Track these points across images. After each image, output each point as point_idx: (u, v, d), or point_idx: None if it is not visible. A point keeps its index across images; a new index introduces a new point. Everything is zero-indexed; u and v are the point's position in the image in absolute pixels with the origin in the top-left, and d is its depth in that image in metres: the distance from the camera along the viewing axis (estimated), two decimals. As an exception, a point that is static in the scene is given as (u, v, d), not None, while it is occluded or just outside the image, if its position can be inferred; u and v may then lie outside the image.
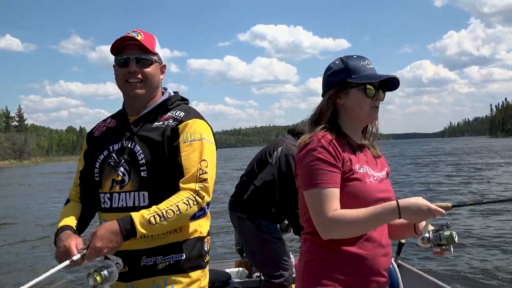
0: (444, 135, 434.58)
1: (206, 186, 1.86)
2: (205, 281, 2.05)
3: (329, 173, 1.67)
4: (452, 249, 1.70)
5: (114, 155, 1.98)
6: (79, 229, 1.99)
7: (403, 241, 3.87)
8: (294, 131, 3.76)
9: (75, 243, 1.77)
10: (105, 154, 2.02)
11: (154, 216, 1.76)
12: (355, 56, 1.84)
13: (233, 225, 3.89)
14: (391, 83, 1.82)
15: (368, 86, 1.77)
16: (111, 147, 2.01)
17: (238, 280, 4.23)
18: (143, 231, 1.75)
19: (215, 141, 2.07)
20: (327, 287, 1.71)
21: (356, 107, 1.80)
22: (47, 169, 66.75)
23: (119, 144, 2.00)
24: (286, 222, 4.01)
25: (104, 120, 2.20)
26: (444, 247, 1.68)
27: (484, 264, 7.34)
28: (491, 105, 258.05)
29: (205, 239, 2.06)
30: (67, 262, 1.73)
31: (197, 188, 1.84)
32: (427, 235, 1.68)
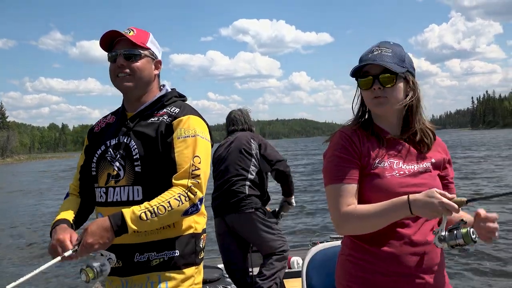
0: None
1: (198, 182, 1.87)
2: (199, 278, 2.06)
3: (344, 169, 1.67)
4: (469, 248, 1.55)
5: (111, 150, 2.01)
6: (77, 223, 2.01)
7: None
8: (244, 129, 4.19)
9: (69, 237, 1.79)
10: (102, 149, 2.05)
11: (145, 212, 1.78)
12: (368, 49, 1.77)
13: (233, 228, 3.91)
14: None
15: (360, 81, 1.73)
16: (108, 142, 2.04)
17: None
18: (134, 227, 1.77)
19: (211, 137, 2.09)
20: (353, 284, 1.71)
21: (365, 101, 1.77)
22: (36, 166, 65.87)
23: (116, 139, 2.03)
24: (276, 209, 4.40)
25: (105, 117, 2.24)
26: (461, 246, 1.51)
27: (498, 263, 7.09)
28: (472, 97, 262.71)
29: (201, 236, 2.06)
30: (59, 258, 1.76)
31: (189, 184, 1.85)
32: (443, 233, 1.51)
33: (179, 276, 1.95)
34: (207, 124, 2.09)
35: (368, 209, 1.59)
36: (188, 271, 1.98)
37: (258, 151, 3.98)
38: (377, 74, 1.69)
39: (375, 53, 1.72)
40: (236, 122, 4.23)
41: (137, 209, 1.78)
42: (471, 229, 1.49)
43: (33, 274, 1.73)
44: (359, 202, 1.66)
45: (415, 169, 1.71)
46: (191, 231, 2.00)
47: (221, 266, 4.22)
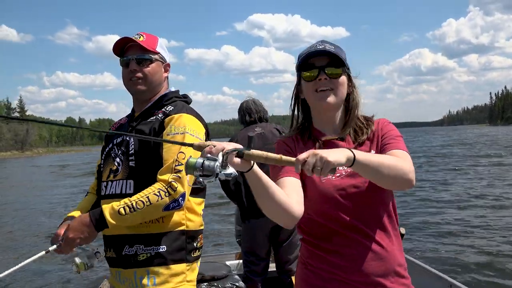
0: (443, 123, 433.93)
1: (180, 177, 1.92)
2: (192, 275, 2.09)
3: (278, 167, 1.60)
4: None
5: (115, 147, 2.12)
6: None
7: (403, 232, 3.89)
8: (261, 118, 4.03)
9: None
10: (109, 146, 2.17)
11: (124, 207, 1.87)
12: (309, 46, 1.72)
13: (277, 228, 3.83)
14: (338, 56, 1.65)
15: (303, 73, 1.67)
16: (115, 141, 2.16)
17: (239, 273, 4.23)
18: (113, 221, 1.87)
19: (208, 135, 2.15)
20: None
21: (306, 96, 1.71)
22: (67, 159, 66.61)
23: (121, 137, 2.13)
24: None
25: (120, 119, 2.37)
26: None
27: (486, 255, 7.40)
28: (490, 93, 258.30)
29: (195, 235, 2.10)
30: (43, 252, 1.93)
31: (170, 180, 1.91)
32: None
33: (167, 272, 1.99)
34: (205, 124, 2.15)
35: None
36: (177, 267, 2.02)
37: None
38: (323, 65, 1.64)
39: (320, 47, 1.66)
40: (251, 112, 4.02)
41: (116, 205, 1.88)
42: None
43: (16, 268, 1.89)
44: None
45: (349, 170, 1.59)
46: (181, 227, 2.04)
47: (229, 263, 4.26)
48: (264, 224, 3.78)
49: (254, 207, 3.72)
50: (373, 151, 1.66)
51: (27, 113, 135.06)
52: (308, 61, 1.66)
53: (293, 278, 3.89)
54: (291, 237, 3.89)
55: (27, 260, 1.90)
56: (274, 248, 3.97)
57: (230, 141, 3.95)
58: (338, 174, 1.62)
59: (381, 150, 1.66)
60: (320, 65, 1.64)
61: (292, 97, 1.78)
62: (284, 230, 3.84)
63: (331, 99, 1.65)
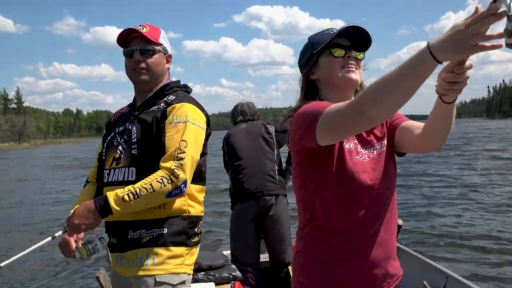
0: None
1: (182, 164, 1.96)
2: (191, 260, 2.14)
3: (322, 103, 1.56)
4: None
5: (118, 136, 2.18)
6: None
7: (400, 223, 3.93)
8: (253, 119, 4.27)
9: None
10: (111, 135, 2.22)
11: (128, 194, 1.91)
12: (319, 31, 1.76)
13: (264, 212, 3.90)
14: (365, 42, 1.69)
15: (332, 49, 1.66)
16: (117, 129, 2.21)
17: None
18: (117, 208, 1.91)
19: (209, 124, 2.22)
20: (314, 281, 1.65)
21: (328, 73, 1.68)
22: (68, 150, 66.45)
23: (123, 126, 2.19)
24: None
25: (122, 108, 2.41)
26: None
27: (483, 248, 7.44)
28: (488, 87, 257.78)
29: (196, 221, 2.16)
30: (49, 238, 1.99)
31: (173, 167, 1.94)
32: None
33: (166, 253, 2.05)
34: (205, 114, 2.20)
35: (376, 82, 1.30)
36: (177, 250, 2.07)
37: (277, 137, 4.08)
38: (348, 45, 1.68)
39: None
40: (245, 114, 4.28)
41: (120, 191, 1.92)
42: None
43: (25, 252, 1.95)
44: (319, 184, 1.60)
45: (374, 153, 1.67)
46: (182, 213, 2.10)
47: (226, 252, 4.29)
48: (250, 207, 3.88)
49: (241, 192, 3.93)
50: (384, 141, 1.71)
51: (24, 105, 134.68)
52: (330, 41, 1.67)
53: (289, 268, 3.92)
54: (281, 226, 3.96)
55: (34, 246, 1.96)
56: (265, 239, 4.05)
57: (226, 136, 4.22)
58: (363, 158, 1.63)
59: (392, 126, 1.72)
60: (346, 44, 1.68)
61: (302, 78, 1.76)
62: (271, 218, 3.91)
63: (357, 76, 1.67)
